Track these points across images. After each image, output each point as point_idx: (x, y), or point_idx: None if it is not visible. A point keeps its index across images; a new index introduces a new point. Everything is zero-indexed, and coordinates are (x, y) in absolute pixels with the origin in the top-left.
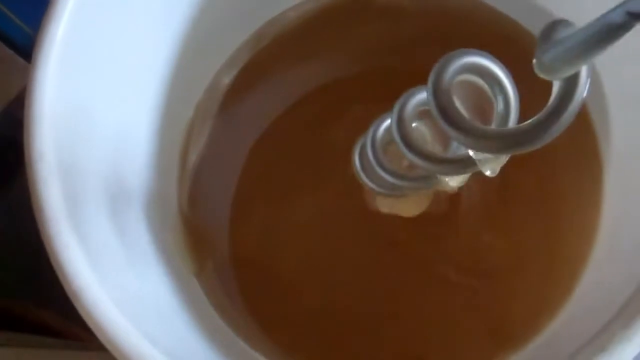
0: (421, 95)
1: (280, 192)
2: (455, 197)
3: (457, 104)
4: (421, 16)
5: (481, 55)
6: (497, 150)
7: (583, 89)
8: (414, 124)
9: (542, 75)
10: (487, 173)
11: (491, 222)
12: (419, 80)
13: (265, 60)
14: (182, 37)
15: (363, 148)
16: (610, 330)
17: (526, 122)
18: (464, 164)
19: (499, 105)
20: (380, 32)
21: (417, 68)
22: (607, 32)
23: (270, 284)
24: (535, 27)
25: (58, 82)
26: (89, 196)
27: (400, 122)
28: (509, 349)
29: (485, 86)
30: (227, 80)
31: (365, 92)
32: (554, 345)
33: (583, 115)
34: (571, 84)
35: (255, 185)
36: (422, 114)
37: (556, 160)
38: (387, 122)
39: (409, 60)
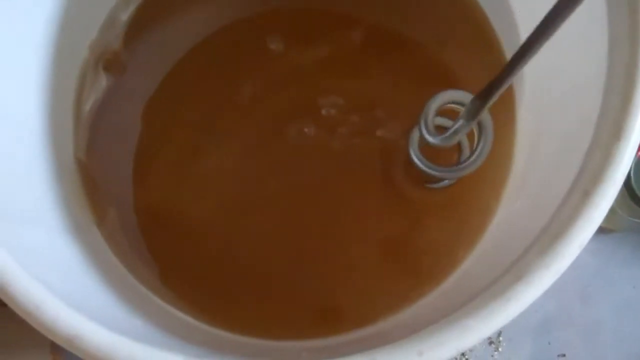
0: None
1: (188, 138)
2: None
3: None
4: None
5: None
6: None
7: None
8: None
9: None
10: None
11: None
12: (333, 20)
13: None
14: None
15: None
16: (526, 258)
17: (467, 160)
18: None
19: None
20: None
21: (333, 8)
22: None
23: (174, 232)
24: None
25: None
26: None
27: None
28: (426, 286)
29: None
30: (124, 17)
31: (278, 30)
32: (470, 278)
33: (499, 54)
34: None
35: (161, 131)
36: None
37: None
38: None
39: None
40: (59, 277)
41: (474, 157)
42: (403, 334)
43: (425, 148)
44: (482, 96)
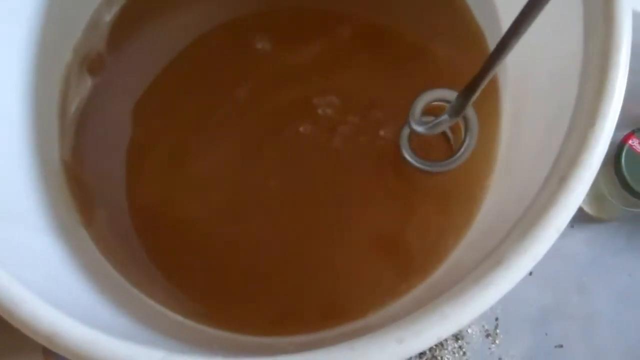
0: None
1: (180, 138)
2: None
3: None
4: None
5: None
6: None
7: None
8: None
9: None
10: None
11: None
12: (323, 18)
13: None
14: None
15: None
16: (504, 244)
17: (456, 154)
18: None
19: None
20: None
21: (322, 7)
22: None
23: (168, 232)
24: None
25: None
26: None
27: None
28: (416, 278)
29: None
30: (107, 18)
31: (267, 30)
32: (458, 269)
33: (482, 44)
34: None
35: (152, 132)
36: None
37: None
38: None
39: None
40: (41, 276)
41: (461, 150)
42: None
43: (417, 144)
44: (466, 93)
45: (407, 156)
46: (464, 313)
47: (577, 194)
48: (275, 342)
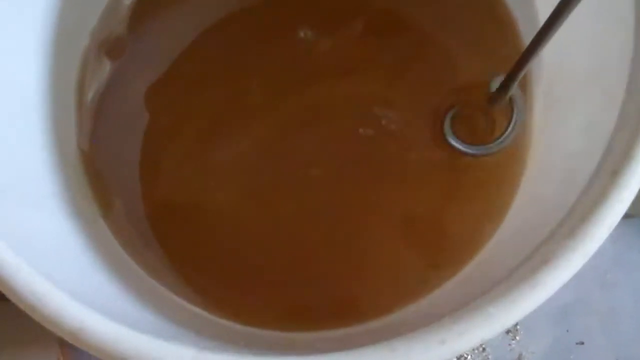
0: None
1: (200, 126)
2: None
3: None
4: None
5: None
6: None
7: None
8: None
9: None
10: None
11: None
12: (354, 3)
13: None
14: None
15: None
16: (552, 241)
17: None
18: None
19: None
20: None
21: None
22: None
23: (186, 223)
24: None
25: None
26: None
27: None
28: (445, 273)
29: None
30: (127, 1)
31: (307, 16)
32: (490, 265)
33: (516, 37)
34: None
35: (171, 119)
36: None
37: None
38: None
39: None
40: (63, 269)
41: (507, 132)
42: (421, 323)
43: (460, 128)
44: (505, 83)
45: (453, 142)
46: (509, 313)
47: (630, 188)
48: (302, 338)
